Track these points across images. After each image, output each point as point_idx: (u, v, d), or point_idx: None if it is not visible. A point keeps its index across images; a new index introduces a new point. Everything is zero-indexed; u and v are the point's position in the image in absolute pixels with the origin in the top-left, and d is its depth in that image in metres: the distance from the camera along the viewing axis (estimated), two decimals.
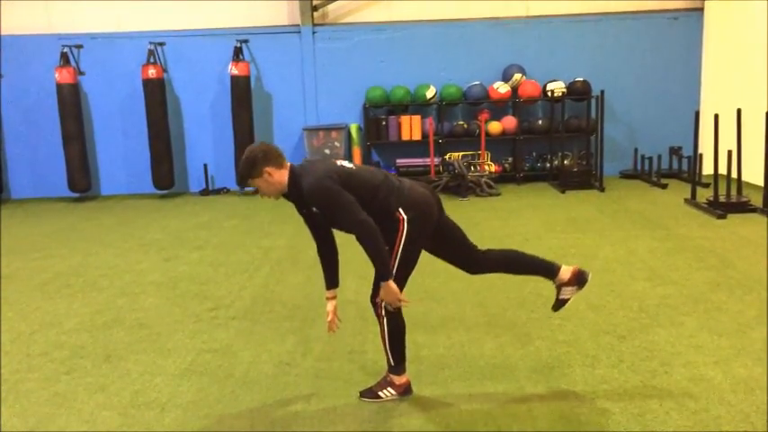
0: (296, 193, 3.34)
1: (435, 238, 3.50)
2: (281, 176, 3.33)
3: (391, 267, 3.27)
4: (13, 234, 8.16)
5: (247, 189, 9.94)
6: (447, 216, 3.57)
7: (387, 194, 3.32)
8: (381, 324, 3.43)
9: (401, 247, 3.29)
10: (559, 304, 3.65)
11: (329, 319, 3.60)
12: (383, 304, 3.37)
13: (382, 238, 3.22)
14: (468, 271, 3.67)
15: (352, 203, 3.21)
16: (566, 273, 3.59)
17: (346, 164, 3.43)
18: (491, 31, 10.64)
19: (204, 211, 9.26)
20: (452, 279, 5.49)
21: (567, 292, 3.61)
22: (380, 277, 3.28)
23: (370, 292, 3.46)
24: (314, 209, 3.35)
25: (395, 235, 3.29)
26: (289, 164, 3.38)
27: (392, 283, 3.26)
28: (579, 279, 3.60)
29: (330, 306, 3.60)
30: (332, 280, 3.61)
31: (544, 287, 5.19)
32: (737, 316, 4.50)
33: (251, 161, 3.30)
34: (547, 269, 3.62)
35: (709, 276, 5.37)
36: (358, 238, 3.25)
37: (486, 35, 10.64)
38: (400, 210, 3.29)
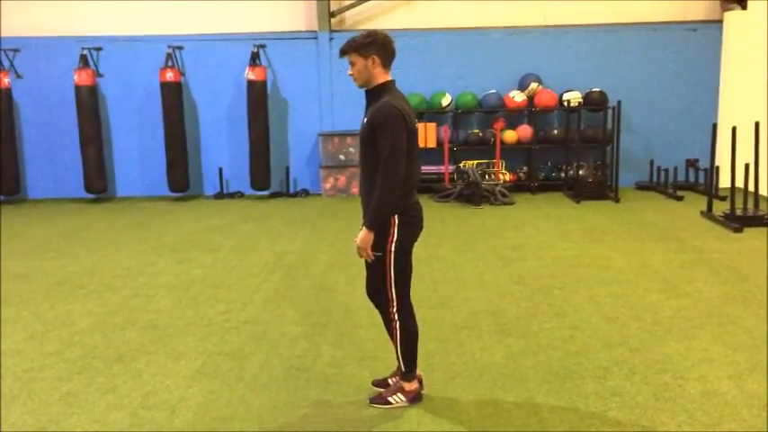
0: (373, 99, 3.32)
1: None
2: (379, 74, 3.33)
3: (377, 222, 3.22)
4: (29, 234, 8.22)
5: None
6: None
7: (403, 193, 3.27)
8: (394, 329, 3.44)
9: (393, 248, 3.30)
10: (379, 400, 3.53)
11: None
12: (395, 309, 3.38)
13: (396, 199, 3.20)
14: (368, 293, 3.54)
15: (403, 147, 3.18)
16: (412, 384, 3.51)
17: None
18: (508, 40, 10.63)
19: (218, 214, 9.30)
20: (464, 287, 5.49)
21: (397, 398, 3.51)
22: (365, 222, 3.24)
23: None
24: (365, 120, 3.29)
25: (385, 239, 3.29)
26: (391, 77, 3.38)
27: (370, 234, 3.23)
28: (416, 397, 3.52)
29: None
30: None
31: (556, 297, 5.19)
32: (752, 330, 4.46)
33: (370, 39, 3.29)
34: (406, 364, 3.48)
35: (723, 290, 5.33)
36: (381, 172, 3.17)
37: (504, 44, 10.63)
38: (397, 215, 3.29)
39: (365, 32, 3.34)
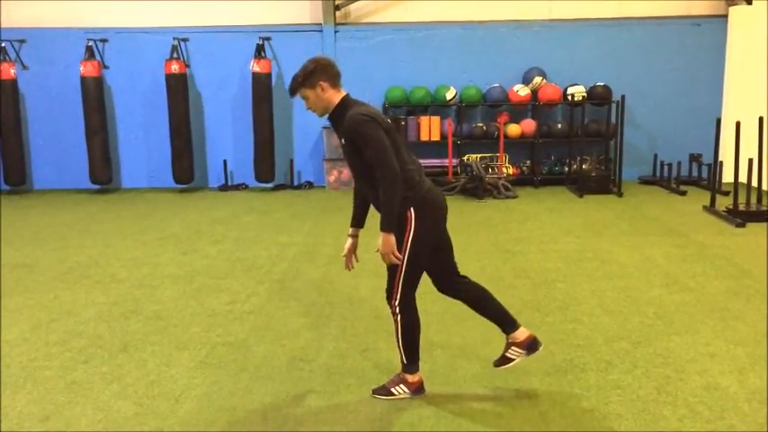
0: (339, 120, 3.33)
1: (434, 247, 3.47)
2: (333, 96, 3.34)
3: (394, 222, 3.23)
4: (35, 224, 8.26)
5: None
6: (446, 229, 3.55)
7: (409, 180, 3.28)
8: (396, 322, 3.45)
9: (409, 244, 3.30)
10: (502, 361, 3.58)
11: (344, 253, 3.58)
12: (398, 302, 3.39)
13: (400, 193, 3.21)
14: (438, 287, 3.61)
15: (387, 145, 3.20)
16: (522, 333, 3.54)
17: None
18: (513, 34, 10.62)
19: (223, 206, 9.32)
20: None
21: (514, 353, 3.54)
22: (382, 226, 3.25)
23: (384, 290, 3.47)
24: (343, 141, 3.32)
25: (403, 233, 3.29)
26: (344, 92, 3.39)
27: (391, 236, 3.24)
28: (530, 345, 3.54)
29: (349, 243, 3.60)
30: (358, 219, 3.62)
31: (559, 291, 5.20)
32: (754, 325, 4.47)
33: (309, 70, 3.31)
34: (506, 323, 3.56)
35: (726, 285, 5.34)
36: (379, 178, 3.19)
37: (508, 37, 10.63)
38: (412, 208, 3.29)
39: (304, 65, 3.34)
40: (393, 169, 3.19)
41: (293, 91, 3.38)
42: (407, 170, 3.29)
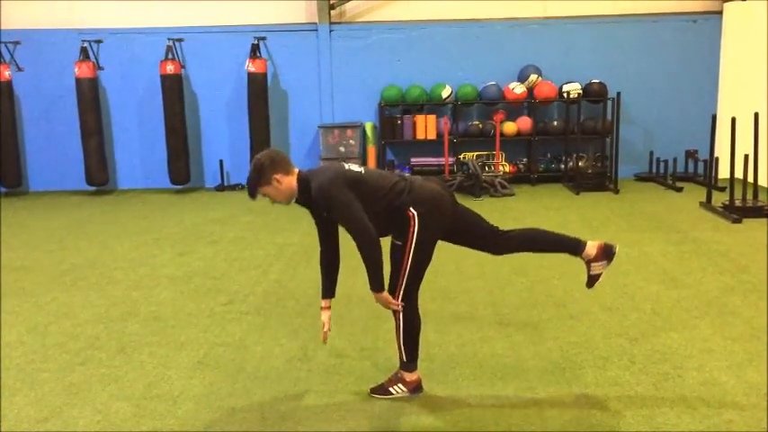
0: (306, 197, 3.35)
1: (455, 230, 3.51)
2: (290, 182, 3.34)
3: (382, 279, 3.29)
4: (31, 226, 8.24)
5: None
6: (463, 207, 3.59)
7: (397, 194, 3.33)
8: (397, 319, 3.45)
9: (413, 243, 3.31)
10: (592, 280, 3.60)
11: (325, 329, 3.61)
12: (399, 300, 3.39)
13: (380, 248, 3.24)
14: (493, 253, 3.68)
15: (356, 209, 3.22)
16: (591, 248, 3.53)
17: (354, 167, 3.44)
18: (508, 32, 10.62)
19: (219, 206, 9.32)
20: (465, 278, 5.51)
21: (596, 267, 3.56)
22: (372, 287, 3.31)
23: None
24: (324, 213, 3.37)
25: (407, 232, 3.30)
26: (297, 170, 3.39)
27: (383, 294, 3.32)
28: (606, 253, 3.54)
29: (325, 317, 3.61)
30: (330, 289, 3.62)
31: (556, 288, 5.21)
32: (751, 321, 4.48)
33: (259, 170, 3.31)
34: (572, 246, 3.58)
35: (723, 281, 5.35)
36: (357, 244, 3.25)
37: (503, 35, 10.62)
38: (411, 208, 3.30)
39: (253, 165, 3.36)
40: (366, 229, 3.21)
41: (253, 194, 3.40)
42: (391, 193, 3.32)
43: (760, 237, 6.68)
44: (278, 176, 3.30)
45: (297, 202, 3.43)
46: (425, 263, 3.41)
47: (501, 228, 3.63)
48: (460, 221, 3.54)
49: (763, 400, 3.39)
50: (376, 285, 3.29)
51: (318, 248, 3.57)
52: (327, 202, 3.27)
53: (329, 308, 3.62)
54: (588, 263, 3.56)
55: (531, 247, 3.69)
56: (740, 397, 3.44)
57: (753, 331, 4.30)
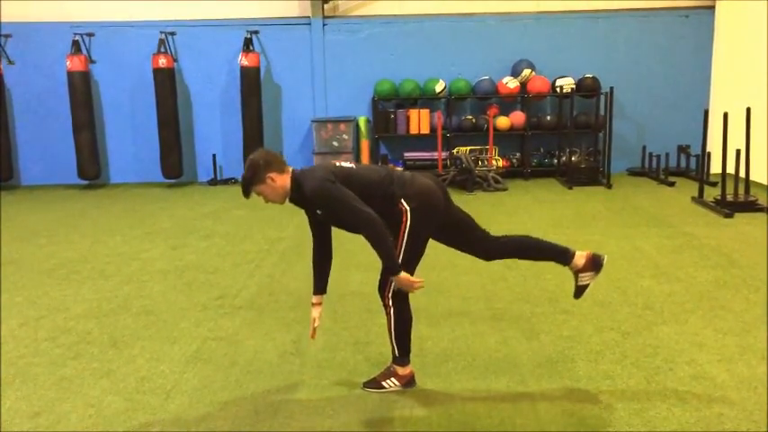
0: (300, 196, 3.35)
1: (445, 229, 3.51)
2: (284, 181, 3.34)
3: (397, 260, 3.28)
4: (23, 220, 8.21)
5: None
6: (456, 206, 3.58)
7: (388, 188, 3.33)
8: (388, 314, 3.45)
9: (406, 237, 3.31)
10: (579, 291, 3.64)
11: (315, 325, 3.61)
12: (390, 294, 3.39)
13: (388, 233, 3.23)
14: (482, 258, 3.70)
15: (354, 199, 3.22)
16: (580, 258, 3.57)
17: (345, 164, 3.44)
18: (501, 27, 10.62)
19: (212, 200, 9.30)
20: (458, 273, 5.51)
21: (584, 278, 3.60)
22: (389, 271, 3.30)
23: (375, 283, 3.48)
24: (318, 211, 3.37)
25: (399, 226, 3.30)
26: (290, 168, 3.39)
27: (402, 275, 3.27)
28: (594, 264, 3.59)
29: (315, 313, 3.60)
30: (321, 286, 3.61)
31: (549, 282, 5.22)
32: (742, 314, 4.50)
33: (254, 168, 3.31)
34: (561, 255, 3.61)
35: (714, 275, 5.37)
36: (364, 234, 3.26)
37: (497, 30, 10.62)
38: (403, 201, 3.30)
39: (246, 165, 3.36)
40: (369, 217, 3.19)
41: (246, 192, 3.39)
42: (383, 188, 3.32)
43: (751, 231, 6.71)
44: (272, 175, 3.30)
45: (291, 200, 3.43)
46: (417, 258, 3.41)
47: (492, 233, 3.63)
48: (453, 219, 3.54)
49: (754, 394, 3.40)
50: (394, 268, 3.26)
51: (311, 243, 3.56)
52: (324, 201, 3.27)
53: (320, 304, 3.62)
54: (576, 273, 3.60)
55: (520, 255, 3.73)
56: (731, 390, 3.45)
57: (744, 325, 4.32)
